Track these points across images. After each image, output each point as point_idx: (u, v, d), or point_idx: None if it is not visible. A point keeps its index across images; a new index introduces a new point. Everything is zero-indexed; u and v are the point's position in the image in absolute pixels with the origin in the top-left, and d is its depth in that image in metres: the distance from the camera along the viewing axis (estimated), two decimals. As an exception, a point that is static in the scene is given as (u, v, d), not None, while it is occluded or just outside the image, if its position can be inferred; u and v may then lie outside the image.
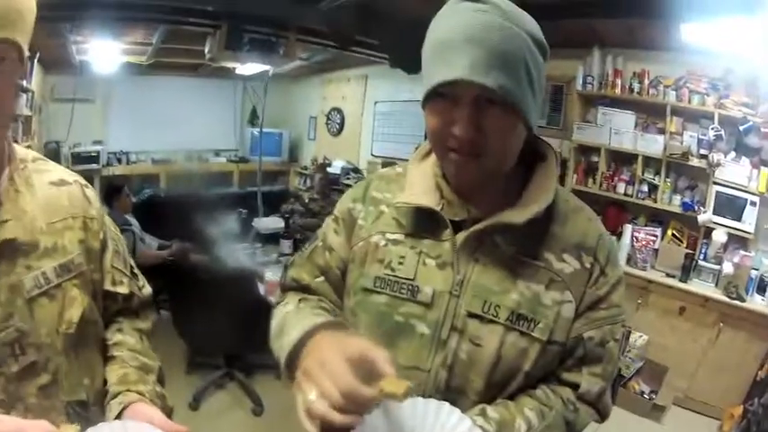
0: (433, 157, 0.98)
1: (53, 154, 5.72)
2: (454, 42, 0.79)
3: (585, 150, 4.23)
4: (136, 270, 1.12)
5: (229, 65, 5.37)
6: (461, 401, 0.87)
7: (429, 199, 0.93)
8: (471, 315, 0.90)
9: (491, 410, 0.87)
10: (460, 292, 0.91)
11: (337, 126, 7.26)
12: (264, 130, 6.90)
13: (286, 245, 4.12)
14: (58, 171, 0.98)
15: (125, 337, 1.04)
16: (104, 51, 4.95)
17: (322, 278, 1.07)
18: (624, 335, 0.73)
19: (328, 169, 6.68)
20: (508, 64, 0.78)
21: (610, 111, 4.01)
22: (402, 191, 0.98)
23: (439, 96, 0.83)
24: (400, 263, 0.95)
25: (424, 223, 0.95)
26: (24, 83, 3.35)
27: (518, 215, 0.87)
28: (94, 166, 6.28)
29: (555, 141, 4.07)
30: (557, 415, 0.90)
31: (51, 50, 4.89)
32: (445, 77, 0.79)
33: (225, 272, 3.53)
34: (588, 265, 0.91)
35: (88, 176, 1.02)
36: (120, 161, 6.90)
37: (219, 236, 4.50)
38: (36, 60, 4.90)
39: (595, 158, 4.16)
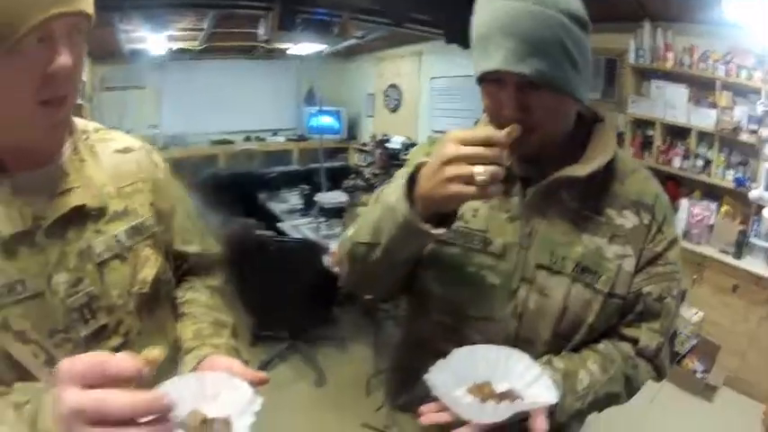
0: None
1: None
2: (489, 34, 0.86)
3: (640, 124, 4.27)
4: (205, 230, 1.16)
5: (284, 45, 5.62)
6: (529, 352, 0.92)
7: None
8: (540, 266, 0.98)
9: (557, 361, 0.96)
10: (530, 244, 0.99)
11: (395, 102, 7.49)
12: (323, 108, 7.24)
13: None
14: (123, 139, 1.03)
15: (196, 295, 1.08)
16: (155, 39, 5.11)
17: None
18: (680, 294, 0.90)
19: (387, 145, 6.88)
20: (543, 48, 0.83)
21: (663, 84, 4.04)
22: None
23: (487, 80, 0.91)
24: (473, 215, 1.03)
25: None
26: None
27: (581, 169, 0.96)
28: (151, 149, 6.71)
29: (611, 114, 4.15)
30: (618, 369, 0.99)
31: (100, 41, 5.13)
32: (485, 68, 0.88)
33: (289, 245, 3.69)
34: (647, 222, 1.00)
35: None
36: (176, 144, 7.17)
37: (283, 211, 4.75)
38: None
39: (650, 132, 4.20)
